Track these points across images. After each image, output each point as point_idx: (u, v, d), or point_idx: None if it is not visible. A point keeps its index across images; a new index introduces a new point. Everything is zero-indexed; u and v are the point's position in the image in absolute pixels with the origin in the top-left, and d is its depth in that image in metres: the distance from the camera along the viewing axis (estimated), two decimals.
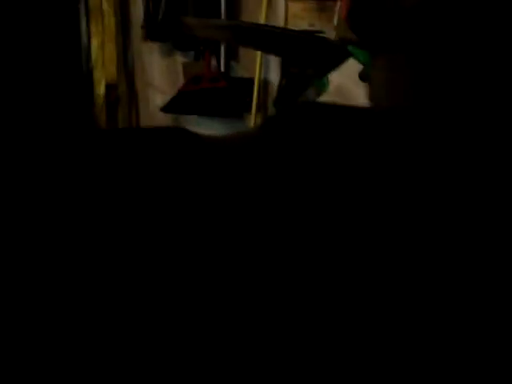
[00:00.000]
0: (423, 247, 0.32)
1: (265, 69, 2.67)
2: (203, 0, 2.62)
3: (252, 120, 2.68)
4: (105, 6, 2.72)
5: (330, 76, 1.43)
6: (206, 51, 2.70)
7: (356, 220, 0.32)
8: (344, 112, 0.37)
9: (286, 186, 0.33)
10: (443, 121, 0.37)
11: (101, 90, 2.86)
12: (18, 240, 0.30)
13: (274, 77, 2.62)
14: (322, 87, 1.44)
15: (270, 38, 1.18)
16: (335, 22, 2.54)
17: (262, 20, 2.56)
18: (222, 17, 2.63)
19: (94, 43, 2.79)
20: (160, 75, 2.96)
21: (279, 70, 2.55)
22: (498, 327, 0.33)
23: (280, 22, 2.60)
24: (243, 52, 2.71)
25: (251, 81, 2.65)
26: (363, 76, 1.48)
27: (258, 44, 1.21)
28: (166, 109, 2.83)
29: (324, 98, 1.50)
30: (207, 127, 2.84)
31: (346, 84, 1.97)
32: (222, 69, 2.74)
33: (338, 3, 2.61)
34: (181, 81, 2.83)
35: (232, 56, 2.75)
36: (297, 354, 0.31)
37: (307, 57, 1.25)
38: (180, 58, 2.85)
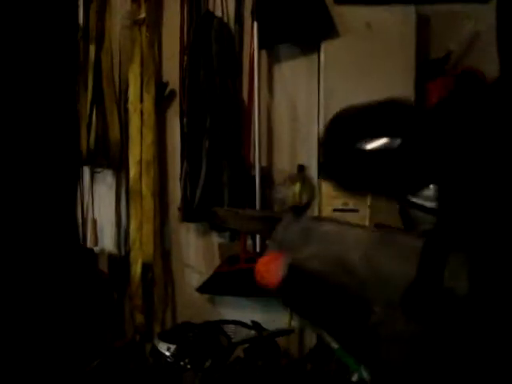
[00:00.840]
0: None
1: None
2: (238, 187, 2.69)
3: None
4: (144, 190, 2.82)
5: None
6: (242, 232, 2.72)
7: None
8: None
9: None
10: None
11: (137, 269, 2.87)
12: None
13: None
14: None
15: None
16: (368, 201, 2.57)
17: (294, 200, 2.60)
18: (257, 202, 2.67)
19: (133, 225, 2.85)
20: (196, 255, 2.97)
21: None
22: None
23: (314, 202, 2.64)
24: None
25: None
26: None
27: None
28: (201, 289, 2.80)
29: None
30: (244, 308, 2.78)
31: None
32: (258, 249, 2.73)
33: None
34: (217, 261, 2.83)
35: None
36: None
37: None
38: (216, 239, 2.88)
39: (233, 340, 2.41)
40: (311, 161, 2.74)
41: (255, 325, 2.56)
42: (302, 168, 2.72)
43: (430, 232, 0.43)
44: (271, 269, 0.67)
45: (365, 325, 0.44)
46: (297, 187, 2.61)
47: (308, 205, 1.24)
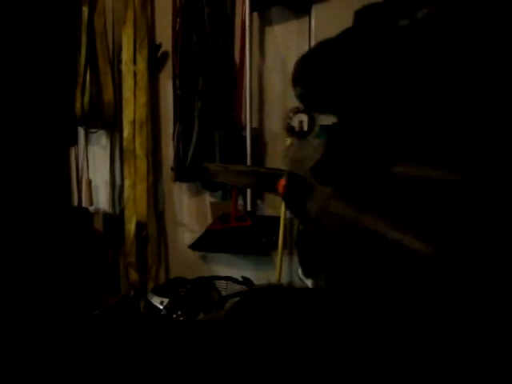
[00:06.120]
0: None
1: None
2: (230, 147, 2.75)
3: (279, 257, 2.70)
4: (137, 149, 2.88)
5: None
6: (233, 191, 2.79)
7: None
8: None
9: None
10: None
11: (132, 227, 2.94)
12: None
13: None
14: None
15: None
16: None
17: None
18: (248, 162, 2.73)
19: (127, 184, 2.92)
20: (188, 214, 3.04)
21: None
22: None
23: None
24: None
25: (277, 219, 2.70)
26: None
27: (274, 189, 1.24)
28: (194, 246, 2.89)
29: None
30: (234, 265, 2.86)
31: None
32: (249, 208, 2.81)
33: None
34: (208, 219, 2.90)
35: (258, 195, 2.83)
36: None
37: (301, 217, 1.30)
38: (208, 198, 2.95)
39: (223, 294, 2.51)
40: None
41: (245, 280, 2.65)
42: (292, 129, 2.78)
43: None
44: (281, 183, 0.82)
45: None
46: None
47: (310, 131, 1.36)
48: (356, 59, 0.44)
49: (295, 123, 1.60)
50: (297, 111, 1.63)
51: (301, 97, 0.52)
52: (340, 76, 0.46)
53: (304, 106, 0.52)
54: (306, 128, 1.44)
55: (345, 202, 0.44)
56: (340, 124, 0.47)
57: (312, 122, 1.41)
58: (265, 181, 1.30)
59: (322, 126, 2.00)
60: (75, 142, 2.69)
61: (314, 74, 0.48)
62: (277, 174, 1.35)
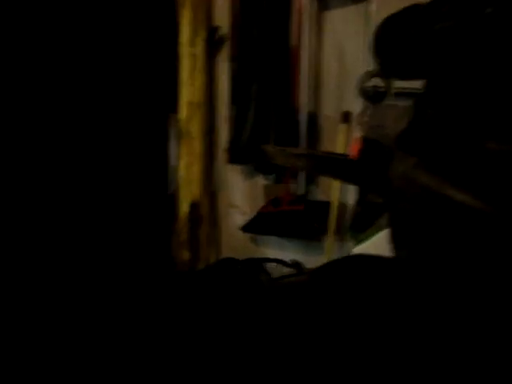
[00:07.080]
0: None
1: (342, 192, 2.72)
2: (284, 128, 2.75)
3: (329, 242, 2.70)
4: (194, 131, 2.92)
5: None
6: (287, 174, 2.80)
7: None
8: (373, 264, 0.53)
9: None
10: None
11: (185, 207, 2.99)
12: None
13: (351, 200, 2.67)
14: None
15: (343, 167, 1.23)
16: None
17: (339, 147, 2.66)
18: (302, 144, 2.74)
19: (182, 164, 2.96)
20: (241, 196, 3.07)
21: (356, 194, 2.60)
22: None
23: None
24: (322, 176, 2.80)
25: (329, 204, 2.70)
26: None
27: (331, 172, 1.25)
28: (245, 228, 2.92)
29: None
30: (285, 248, 2.88)
31: None
32: (301, 192, 2.82)
33: None
34: (261, 202, 2.92)
35: (311, 180, 2.83)
36: None
37: (378, 186, 1.29)
38: (261, 181, 2.97)
39: (272, 276, 2.54)
40: (357, 107, 2.77)
41: (295, 264, 2.67)
42: (347, 115, 2.77)
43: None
44: (354, 148, 0.83)
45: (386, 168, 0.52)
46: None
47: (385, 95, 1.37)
48: (456, 30, 0.43)
49: (369, 87, 1.61)
50: (372, 75, 1.63)
51: (382, 64, 0.52)
52: (435, 44, 0.45)
53: (384, 73, 0.53)
54: (381, 91, 1.43)
55: (430, 173, 0.44)
56: (429, 94, 0.47)
57: (388, 85, 1.40)
58: (322, 164, 1.31)
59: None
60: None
61: (401, 42, 0.48)
62: (334, 158, 1.35)
